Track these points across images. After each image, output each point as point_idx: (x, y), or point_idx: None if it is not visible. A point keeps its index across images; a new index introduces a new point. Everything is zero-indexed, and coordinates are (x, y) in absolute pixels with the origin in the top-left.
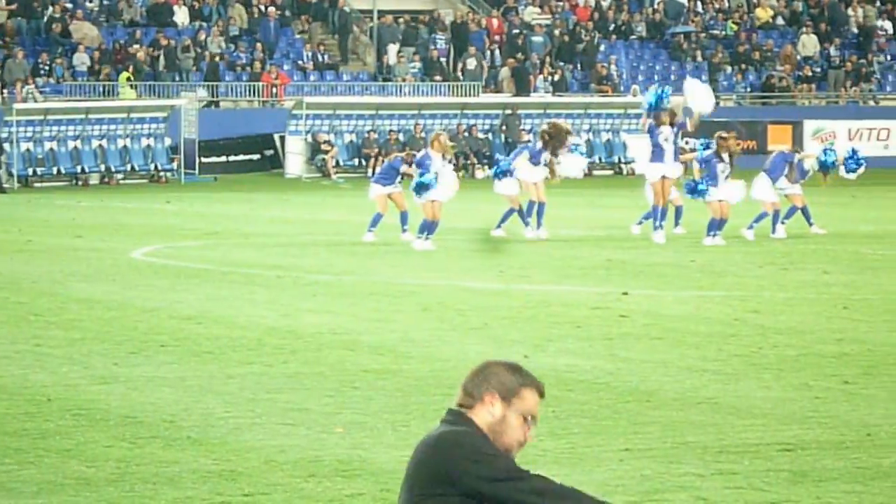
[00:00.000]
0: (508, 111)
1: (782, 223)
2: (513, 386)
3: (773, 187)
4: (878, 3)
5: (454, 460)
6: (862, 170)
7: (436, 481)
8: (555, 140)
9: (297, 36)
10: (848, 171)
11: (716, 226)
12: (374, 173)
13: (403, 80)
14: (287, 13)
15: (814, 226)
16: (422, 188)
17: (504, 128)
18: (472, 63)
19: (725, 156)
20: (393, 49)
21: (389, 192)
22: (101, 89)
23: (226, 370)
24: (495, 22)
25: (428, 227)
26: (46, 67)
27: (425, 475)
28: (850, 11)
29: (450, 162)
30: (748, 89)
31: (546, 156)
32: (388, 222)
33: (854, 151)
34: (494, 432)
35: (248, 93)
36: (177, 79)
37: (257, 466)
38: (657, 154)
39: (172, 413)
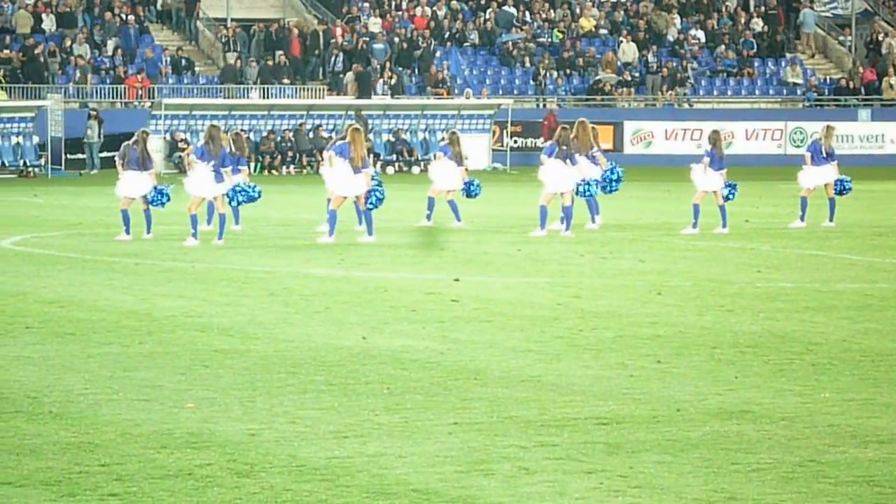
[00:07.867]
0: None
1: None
2: None
3: None
4: (693, 15)
5: None
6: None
7: None
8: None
9: (158, 43)
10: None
11: None
12: None
13: (254, 83)
14: (146, 23)
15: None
16: None
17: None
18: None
19: None
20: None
21: None
22: None
23: (86, 350)
24: (339, 30)
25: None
26: None
27: None
28: (663, 22)
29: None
30: (571, 92)
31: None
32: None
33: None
34: None
35: (111, 94)
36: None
37: (113, 439)
38: None
39: (36, 390)
